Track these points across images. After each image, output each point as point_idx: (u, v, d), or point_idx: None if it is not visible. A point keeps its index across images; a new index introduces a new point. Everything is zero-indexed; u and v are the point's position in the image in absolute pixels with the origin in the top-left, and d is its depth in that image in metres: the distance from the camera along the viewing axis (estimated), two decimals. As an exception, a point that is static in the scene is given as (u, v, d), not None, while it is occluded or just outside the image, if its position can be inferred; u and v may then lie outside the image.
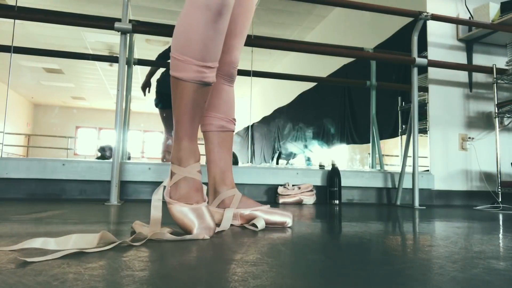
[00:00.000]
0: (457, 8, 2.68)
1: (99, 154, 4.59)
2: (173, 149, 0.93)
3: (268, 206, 1.10)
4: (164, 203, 0.88)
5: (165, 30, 2.01)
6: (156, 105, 3.12)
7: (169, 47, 3.22)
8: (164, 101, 3.08)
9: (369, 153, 3.02)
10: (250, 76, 2.80)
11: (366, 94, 3.00)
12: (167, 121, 3.16)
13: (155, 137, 9.06)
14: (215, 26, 0.86)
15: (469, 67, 2.60)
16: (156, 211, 0.85)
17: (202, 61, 0.87)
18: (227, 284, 0.48)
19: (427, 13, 2.26)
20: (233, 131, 1.14)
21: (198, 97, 0.89)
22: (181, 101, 0.89)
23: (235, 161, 3.64)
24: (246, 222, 1.06)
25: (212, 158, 1.10)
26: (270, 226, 1.06)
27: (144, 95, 3.06)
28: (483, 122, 2.67)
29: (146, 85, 3.05)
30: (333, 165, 2.27)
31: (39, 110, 9.71)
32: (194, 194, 0.89)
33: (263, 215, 1.06)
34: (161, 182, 1.01)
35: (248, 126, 5.29)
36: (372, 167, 2.92)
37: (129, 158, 2.45)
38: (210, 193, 1.10)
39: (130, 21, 1.90)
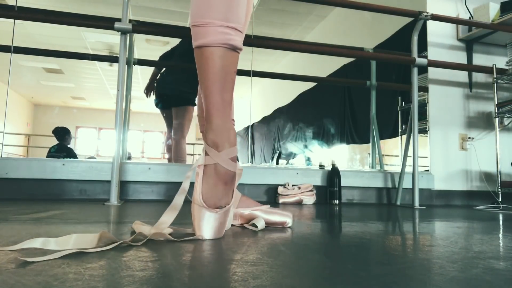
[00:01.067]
0: (457, 8, 2.68)
1: (56, 139, 3.86)
2: (206, 130, 0.83)
3: (268, 206, 1.10)
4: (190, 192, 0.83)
5: (165, 30, 2.01)
6: (156, 105, 3.13)
7: (172, 49, 3.21)
8: (164, 101, 3.08)
9: (369, 153, 3.02)
10: (250, 76, 2.80)
11: (366, 94, 3.00)
12: (167, 120, 3.16)
13: (155, 137, 9.06)
14: None
15: (469, 67, 2.60)
16: (168, 217, 0.83)
17: (226, 21, 0.79)
18: (227, 284, 0.48)
19: (427, 13, 2.26)
20: None
21: (226, 64, 0.81)
22: (207, 71, 0.80)
23: (235, 161, 3.63)
24: (246, 222, 1.06)
25: None
26: (270, 226, 1.06)
27: (148, 96, 3.07)
28: (483, 122, 2.67)
29: (149, 88, 3.06)
30: (333, 165, 2.27)
31: (39, 110, 9.69)
32: (221, 191, 0.81)
33: (263, 215, 1.06)
34: (161, 183, 1.01)
35: (248, 126, 5.29)
36: (372, 167, 2.92)
37: (129, 158, 2.45)
38: None
39: (130, 21, 1.90)
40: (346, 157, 4.09)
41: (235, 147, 0.83)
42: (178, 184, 2.05)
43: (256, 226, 1.01)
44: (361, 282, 0.51)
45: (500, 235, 1.04)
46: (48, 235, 0.79)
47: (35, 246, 0.66)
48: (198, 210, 0.81)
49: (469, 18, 2.64)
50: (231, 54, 0.81)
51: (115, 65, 1.94)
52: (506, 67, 2.44)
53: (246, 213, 1.05)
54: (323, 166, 2.51)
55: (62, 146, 3.96)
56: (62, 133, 3.94)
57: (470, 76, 2.66)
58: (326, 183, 2.31)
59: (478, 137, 2.63)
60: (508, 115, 2.49)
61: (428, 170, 2.53)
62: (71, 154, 4.05)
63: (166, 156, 3.37)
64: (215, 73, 0.80)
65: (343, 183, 2.29)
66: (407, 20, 2.74)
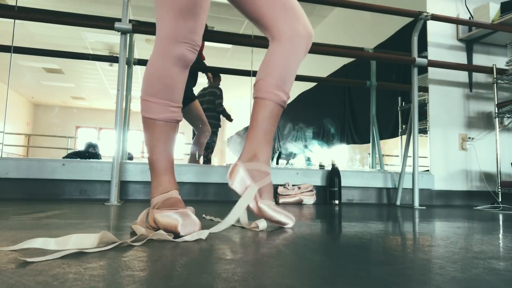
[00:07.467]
0: (457, 8, 2.68)
1: (84, 149, 4.48)
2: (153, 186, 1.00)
3: (274, 202, 1.07)
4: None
5: (165, 30, 2.00)
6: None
7: None
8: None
9: (369, 153, 3.02)
10: (250, 76, 2.80)
11: (366, 94, 3.00)
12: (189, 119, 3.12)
13: (155, 137, 9.03)
14: (185, 73, 1.03)
15: (469, 67, 2.60)
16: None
17: (173, 102, 1.03)
18: (227, 284, 0.49)
19: (427, 13, 2.26)
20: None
21: (174, 133, 1.04)
22: (158, 139, 1.02)
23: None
24: (255, 210, 1.03)
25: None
26: (270, 226, 1.06)
27: None
28: (483, 122, 2.66)
29: None
30: (333, 165, 2.27)
31: (39, 110, 9.70)
32: (178, 204, 0.93)
33: (270, 211, 1.03)
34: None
35: (248, 126, 5.27)
36: (372, 167, 2.92)
37: (130, 159, 2.44)
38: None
39: (130, 21, 1.90)
40: (346, 157, 4.09)
41: (176, 190, 1.02)
42: (178, 184, 2.05)
43: (257, 227, 1.01)
44: (361, 282, 0.51)
45: (500, 235, 1.04)
46: (48, 235, 0.79)
47: (35, 246, 0.66)
48: (164, 216, 0.90)
49: (469, 18, 2.64)
50: (176, 125, 1.07)
51: (115, 65, 1.94)
52: (506, 67, 2.44)
53: (259, 204, 1.03)
54: (323, 166, 2.51)
55: (80, 153, 4.49)
56: (86, 147, 4.60)
57: (470, 76, 2.66)
58: (326, 183, 2.31)
59: (478, 137, 2.63)
60: (508, 115, 2.49)
61: (428, 170, 2.53)
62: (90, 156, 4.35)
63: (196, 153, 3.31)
64: (166, 141, 1.06)
65: (343, 183, 2.29)
66: (407, 20, 2.74)
